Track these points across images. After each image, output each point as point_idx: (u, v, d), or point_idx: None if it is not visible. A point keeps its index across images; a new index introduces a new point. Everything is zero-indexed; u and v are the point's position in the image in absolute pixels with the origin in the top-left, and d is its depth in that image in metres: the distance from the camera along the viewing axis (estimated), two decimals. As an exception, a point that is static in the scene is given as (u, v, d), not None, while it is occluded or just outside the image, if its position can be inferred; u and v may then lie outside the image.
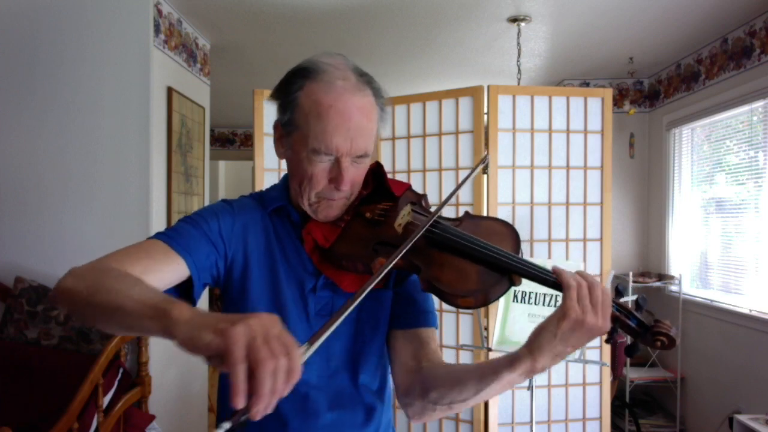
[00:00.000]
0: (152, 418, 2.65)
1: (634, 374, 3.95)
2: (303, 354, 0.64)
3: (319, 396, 1.00)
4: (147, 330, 0.72)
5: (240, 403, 0.58)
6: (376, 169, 1.06)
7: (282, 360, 0.59)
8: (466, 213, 1.02)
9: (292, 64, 1.03)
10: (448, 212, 1.04)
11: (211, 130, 5.51)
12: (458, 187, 1.07)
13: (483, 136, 2.79)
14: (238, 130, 6.91)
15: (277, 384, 0.59)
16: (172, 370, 3.10)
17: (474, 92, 2.81)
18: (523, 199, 2.82)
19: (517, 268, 0.87)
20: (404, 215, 0.99)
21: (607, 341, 0.90)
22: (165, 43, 3.02)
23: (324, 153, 0.93)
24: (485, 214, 2.79)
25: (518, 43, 3.46)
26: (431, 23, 3.39)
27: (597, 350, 2.83)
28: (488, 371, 0.88)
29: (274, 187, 1.10)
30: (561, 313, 0.81)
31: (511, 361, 0.85)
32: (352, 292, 0.98)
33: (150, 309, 0.71)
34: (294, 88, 0.96)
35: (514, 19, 3.28)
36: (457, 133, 2.83)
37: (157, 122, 2.90)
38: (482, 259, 0.89)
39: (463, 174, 2.83)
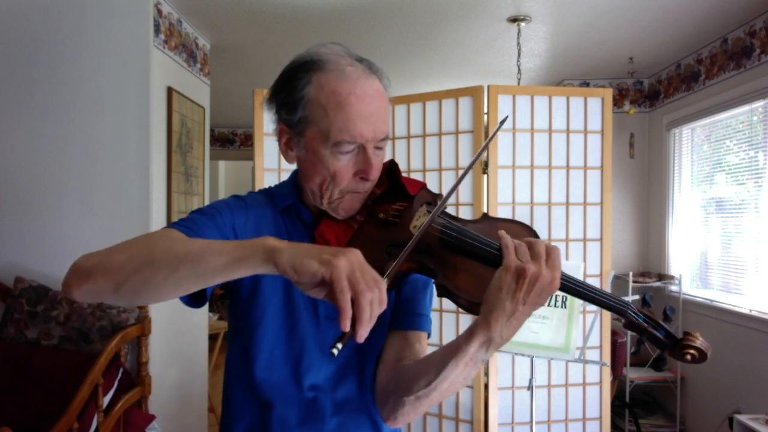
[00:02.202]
0: (152, 418, 2.65)
1: (634, 374, 3.95)
2: (385, 286, 0.73)
3: (326, 401, 0.97)
4: (236, 269, 0.73)
5: (347, 326, 0.68)
6: (391, 167, 1.02)
7: (375, 291, 0.70)
8: (485, 214, 0.98)
9: (293, 65, 1.00)
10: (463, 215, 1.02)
11: (211, 130, 5.51)
12: (480, 153, 1.00)
13: (483, 136, 2.78)
14: (238, 130, 6.91)
15: (373, 311, 0.69)
16: (172, 370, 3.10)
17: (474, 92, 2.81)
18: (523, 199, 2.82)
19: None
20: (420, 216, 0.95)
21: (634, 353, 0.87)
22: (165, 43, 3.02)
23: (348, 143, 0.90)
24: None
25: (518, 43, 3.46)
26: (431, 23, 3.39)
27: (597, 350, 2.83)
28: (449, 349, 0.86)
29: (283, 185, 1.07)
30: (503, 268, 0.79)
31: (468, 331, 0.83)
32: None
33: (238, 247, 0.73)
34: (301, 84, 0.92)
35: (514, 19, 3.28)
36: (457, 133, 2.83)
37: (157, 122, 2.90)
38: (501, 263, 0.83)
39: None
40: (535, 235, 0.90)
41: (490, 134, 1.04)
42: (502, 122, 1.09)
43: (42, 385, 2.38)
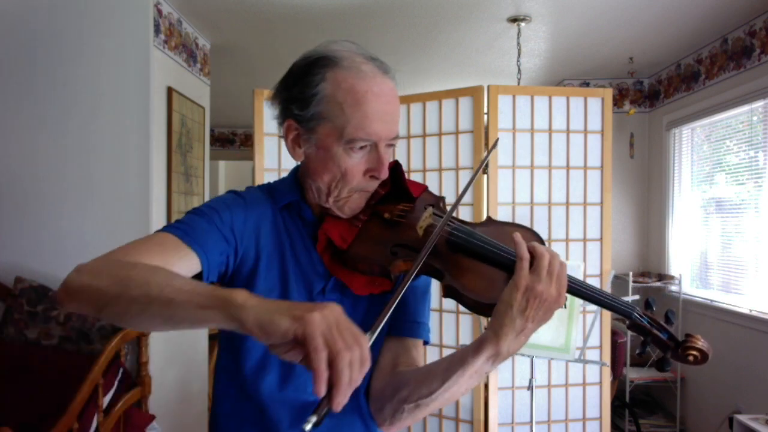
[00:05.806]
0: (152, 418, 2.65)
1: (634, 374, 3.95)
2: (369, 342, 0.65)
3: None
4: (202, 320, 0.69)
5: (323, 391, 0.60)
6: (395, 168, 1.01)
7: (356, 350, 0.62)
8: (489, 218, 0.99)
9: (293, 65, 1.00)
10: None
11: (211, 130, 5.51)
12: (475, 173, 1.04)
13: (483, 136, 2.78)
14: (238, 130, 6.91)
15: (353, 374, 0.62)
16: (172, 370, 3.10)
17: (474, 92, 2.80)
18: (523, 199, 2.82)
19: None
20: (426, 217, 0.95)
21: (639, 354, 0.90)
22: (165, 43, 3.02)
23: (363, 140, 0.89)
24: (485, 213, 2.79)
25: (518, 43, 3.46)
26: (431, 23, 3.39)
27: (597, 350, 2.83)
28: (455, 360, 0.87)
29: (283, 181, 1.05)
30: (513, 284, 0.82)
31: (477, 345, 0.84)
32: (364, 294, 0.95)
33: (206, 298, 0.69)
34: (316, 80, 0.90)
35: (514, 19, 3.28)
36: (457, 133, 2.83)
37: (157, 122, 2.90)
38: (510, 266, 0.85)
39: (462, 174, 2.83)
40: (541, 241, 0.91)
41: (489, 149, 1.05)
42: (495, 143, 1.17)
43: (42, 385, 2.38)
